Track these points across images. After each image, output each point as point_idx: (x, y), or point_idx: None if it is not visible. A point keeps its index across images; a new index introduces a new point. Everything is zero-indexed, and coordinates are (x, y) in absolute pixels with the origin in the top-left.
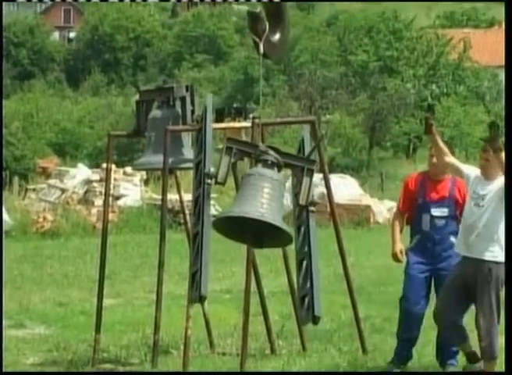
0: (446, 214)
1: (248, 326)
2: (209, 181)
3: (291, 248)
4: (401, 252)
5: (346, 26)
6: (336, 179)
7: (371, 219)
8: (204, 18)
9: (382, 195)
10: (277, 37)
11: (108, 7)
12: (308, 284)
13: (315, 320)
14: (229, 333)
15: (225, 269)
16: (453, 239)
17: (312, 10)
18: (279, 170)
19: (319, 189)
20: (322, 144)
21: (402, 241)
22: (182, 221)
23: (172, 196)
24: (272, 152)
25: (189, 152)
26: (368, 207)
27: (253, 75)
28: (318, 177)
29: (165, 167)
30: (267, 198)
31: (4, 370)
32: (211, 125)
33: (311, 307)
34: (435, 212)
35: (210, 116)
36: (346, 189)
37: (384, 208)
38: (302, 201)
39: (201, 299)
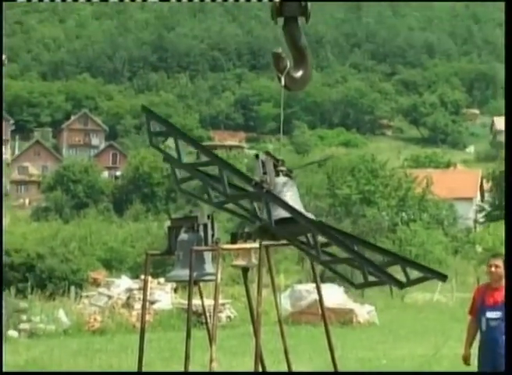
0: (498, 316)
1: None
2: (266, 186)
3: (293, 345)
4: (467, 357)
5: (334, 166)
6: (325, 288)
7: (354, 320)
8: None
9: (362, 300)
10: (300, 73)
11: (147, 152)
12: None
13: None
14: None
15: (237, 360)
16: (503, 338)
17: (307, 154)
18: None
19: (312, 296)
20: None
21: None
22: (203, 321)
23: (196, 301)
24: (284, 164)
25: (209, 267)
26: (351, 310)
27: None
28: (311, 286)
29: (190, 280)
30: (293, 199)
31: (4, 370)
32: None
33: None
34: (490, 314)
35: None
36: (334, 296)
37: (364, 311)
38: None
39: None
